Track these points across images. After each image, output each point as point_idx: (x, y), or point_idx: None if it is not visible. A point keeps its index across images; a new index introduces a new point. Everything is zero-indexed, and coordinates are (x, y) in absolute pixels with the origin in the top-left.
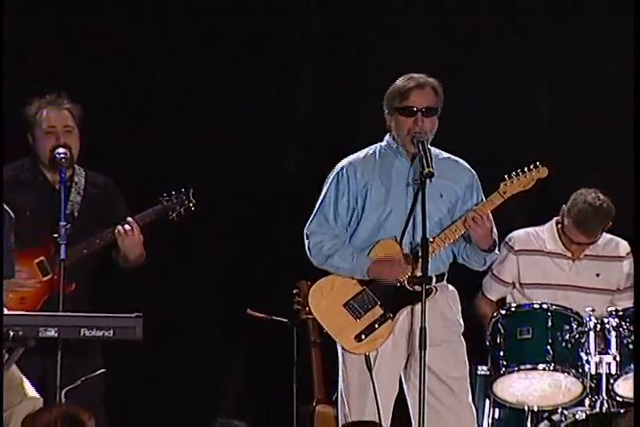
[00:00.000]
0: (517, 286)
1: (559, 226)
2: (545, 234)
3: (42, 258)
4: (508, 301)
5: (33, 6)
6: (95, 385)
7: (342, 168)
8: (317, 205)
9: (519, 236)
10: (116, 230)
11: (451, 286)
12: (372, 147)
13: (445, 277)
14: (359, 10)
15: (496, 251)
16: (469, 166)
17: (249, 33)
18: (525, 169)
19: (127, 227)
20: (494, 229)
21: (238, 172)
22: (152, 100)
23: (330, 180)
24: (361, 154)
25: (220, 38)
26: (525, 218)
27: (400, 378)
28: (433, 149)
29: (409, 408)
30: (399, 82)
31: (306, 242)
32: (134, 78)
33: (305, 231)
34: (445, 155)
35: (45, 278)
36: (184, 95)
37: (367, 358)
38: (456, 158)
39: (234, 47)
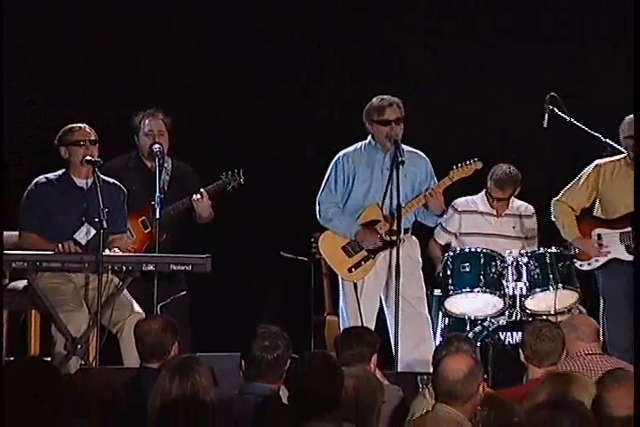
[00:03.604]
0: (458, 235)
1: (487, 193)
2: (478, 199)
3: (143, 217)
4: (452, 246)
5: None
6: (181, 302)
7: (338, 157)
8: (324, 182)
9: (461, 201)
10: (192, 198)
11: (414, 237)
12: (360, 143)
13: (410, 230)
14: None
15: (444, 216)
16: (425, 156)
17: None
18: (467, 162)
19: (199, 195)
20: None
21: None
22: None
23: (331, 165)
24: (351, 148)
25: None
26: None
27: (381, 300)
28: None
29: (387, 320)
30: (375, 102)
31: (317, 207)
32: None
33: (317, 199)
34: (409, 148)
35: (146, 231)
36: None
37: (355, 285)
38: (416, 151)
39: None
